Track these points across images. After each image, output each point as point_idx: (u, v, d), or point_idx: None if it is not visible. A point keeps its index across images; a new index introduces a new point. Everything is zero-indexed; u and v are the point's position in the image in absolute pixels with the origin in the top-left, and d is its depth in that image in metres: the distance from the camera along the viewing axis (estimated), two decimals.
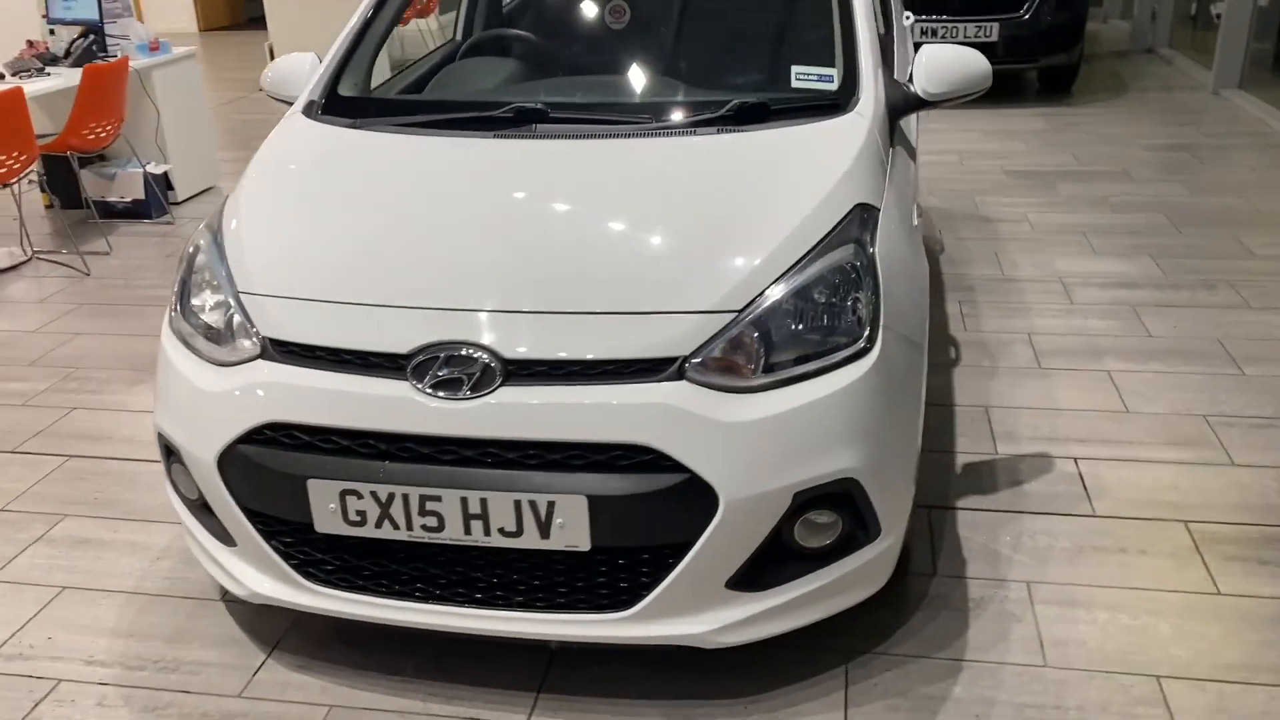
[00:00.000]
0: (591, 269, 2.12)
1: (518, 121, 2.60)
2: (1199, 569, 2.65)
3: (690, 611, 2.08)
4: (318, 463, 2.06)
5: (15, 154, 4.86)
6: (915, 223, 2.54)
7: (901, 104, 2.75)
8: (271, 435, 2.10)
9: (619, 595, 2.08)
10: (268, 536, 2.20)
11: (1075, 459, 3.16)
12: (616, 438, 1.97)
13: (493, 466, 2.01)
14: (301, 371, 2.11)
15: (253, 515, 2.18)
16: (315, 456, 2.07)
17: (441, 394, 2.02)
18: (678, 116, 2.57)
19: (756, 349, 2.05)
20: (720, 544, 2.02)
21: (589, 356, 2.02)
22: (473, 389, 2.01)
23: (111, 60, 5.58)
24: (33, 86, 5.29)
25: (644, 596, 2.06)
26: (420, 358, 2.05)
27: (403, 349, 2.06)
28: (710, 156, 2.41)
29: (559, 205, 2.30)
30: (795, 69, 2.75)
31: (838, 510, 2.11)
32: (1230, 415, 3.38)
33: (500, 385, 2.01)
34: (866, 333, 2.13)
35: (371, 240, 2.26)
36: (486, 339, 2.04)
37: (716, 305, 2.06)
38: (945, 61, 2.77)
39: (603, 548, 2.03)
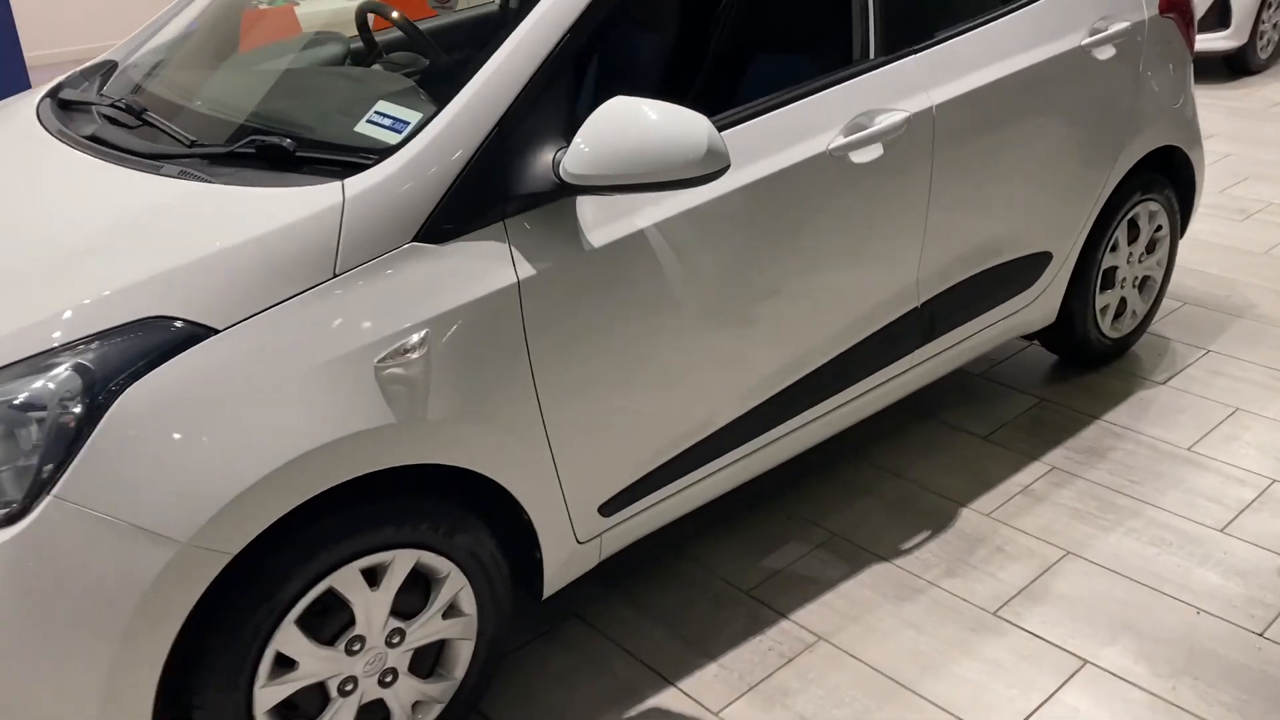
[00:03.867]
0: None
1: (122, 112, 2.16)
2: None
3: None
4: None
5: None
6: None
7: (506, 192, 1.83)
8: None
9: None
10: None
11: None
12: None
13: None
14: None
15: None
16: None
17: None
18: (208, 144, 1.95)
19: None
20: None
21: None
22: None
23: None
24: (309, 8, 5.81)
25: None
26: None
27: None
28: (123, 208, 1.82)
29: None
30: (380, 106, 1.91)
31: None
32: None
33: None
34: (19, 500, 1.53)
35: None
36: None
37: None
38: (603, 128, 1.76)
39: None
